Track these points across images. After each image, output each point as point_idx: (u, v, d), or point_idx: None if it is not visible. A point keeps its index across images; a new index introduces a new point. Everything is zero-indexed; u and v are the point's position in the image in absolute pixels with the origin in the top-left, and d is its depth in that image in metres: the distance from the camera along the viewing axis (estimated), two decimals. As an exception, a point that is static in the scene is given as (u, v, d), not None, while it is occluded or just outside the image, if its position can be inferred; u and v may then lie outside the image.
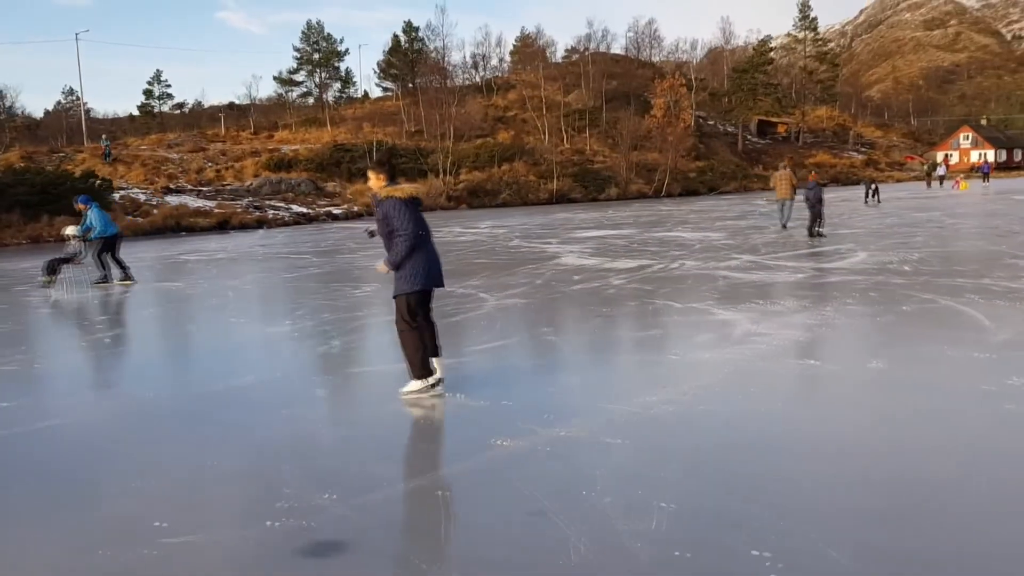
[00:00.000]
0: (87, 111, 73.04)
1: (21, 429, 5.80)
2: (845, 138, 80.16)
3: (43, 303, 12.56)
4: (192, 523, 4.12)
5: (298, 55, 68.87)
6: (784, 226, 21.40)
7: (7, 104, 65.32)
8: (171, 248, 23.49)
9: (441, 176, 50.15)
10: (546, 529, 3.86)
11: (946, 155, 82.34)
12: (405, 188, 5.93)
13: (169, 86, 75.21)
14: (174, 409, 6.25)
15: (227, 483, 4.68)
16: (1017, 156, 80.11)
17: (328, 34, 68.56)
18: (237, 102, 75.85)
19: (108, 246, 14.33)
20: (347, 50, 68.73)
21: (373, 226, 6.19)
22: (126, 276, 14.35)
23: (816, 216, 18.72)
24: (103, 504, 4.43)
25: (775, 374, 6.58)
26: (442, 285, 6.12)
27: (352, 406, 6.38)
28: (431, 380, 6.02)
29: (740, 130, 70.74)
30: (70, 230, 14.38)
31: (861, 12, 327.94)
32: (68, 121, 76.53)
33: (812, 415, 5.60)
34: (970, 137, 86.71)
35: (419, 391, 6.04)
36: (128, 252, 22.58)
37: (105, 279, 14.09)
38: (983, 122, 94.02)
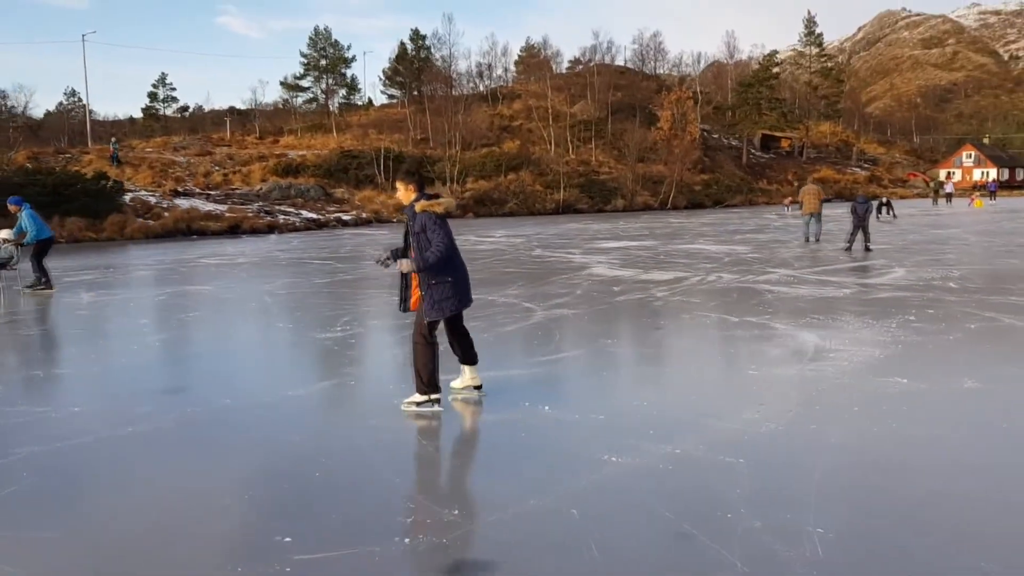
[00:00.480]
0: (90, 112, 72.61)
1: (106, 434, 5.59)
2: (848, 154, 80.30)
3: (76, 306, 12.33)
4: (316, 538, 3.93)
5: (305, 61, 68.75)
6: (807, 239, 21.70)
7: (18, 104, 64.52)
8: (187, 251, 23.26)
9: (449, 184, 49.99)
10: (703, 553, 3.68)
11: (948, 173, 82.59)
12: (441, 202, 5.81)
13: (174, 89, 75.08)
14: (259, 416, 6.04)
15: (339, 495, 4.48)
16: (1019, 175, 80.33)
17: (335, 40, 68.53)
18: (242, 107, 75.63)
19: (43, 250, 13.66)
20: (354, 57, 68.20)
21: (386, 254, 6.04)
22: (48, 284, 13.56)
23: (859, 229, 18.83)
24: (225, 518, 4.23)
25: (868, 392, 6.40)
26: (470, 303, 6.09)
27: (434, 417, 6.20)
28: (435, 396, 5.94)
29: (744, 144, 70.76)
30: (3, 234, 13.53)
31: (859, 29, 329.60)
32: (70, 122, 76.24)
33: (933, 435, 5.41)
34: (972, 155, 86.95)
35: (419, 404, 5.94)
36: (144, 254, 22.43)
37: (45, 284, 13.46)
38: (985, 141, 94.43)
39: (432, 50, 68.36)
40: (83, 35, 53.20)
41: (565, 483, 4.72)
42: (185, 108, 78.26)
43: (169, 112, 76.19)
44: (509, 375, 7.12)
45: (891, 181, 76.47)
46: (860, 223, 18.76)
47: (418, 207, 5.76)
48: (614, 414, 5.92)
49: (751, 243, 22.40)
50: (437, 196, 5.89)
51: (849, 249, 18.73)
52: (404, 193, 5.96)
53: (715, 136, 73.63)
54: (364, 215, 40.65)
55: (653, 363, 8.12)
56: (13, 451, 5.22)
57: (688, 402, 6.36)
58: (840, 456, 4.96)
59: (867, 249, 18.53)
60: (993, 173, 77.68)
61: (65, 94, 74.37)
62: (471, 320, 7.02)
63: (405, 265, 5.80)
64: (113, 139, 46.03)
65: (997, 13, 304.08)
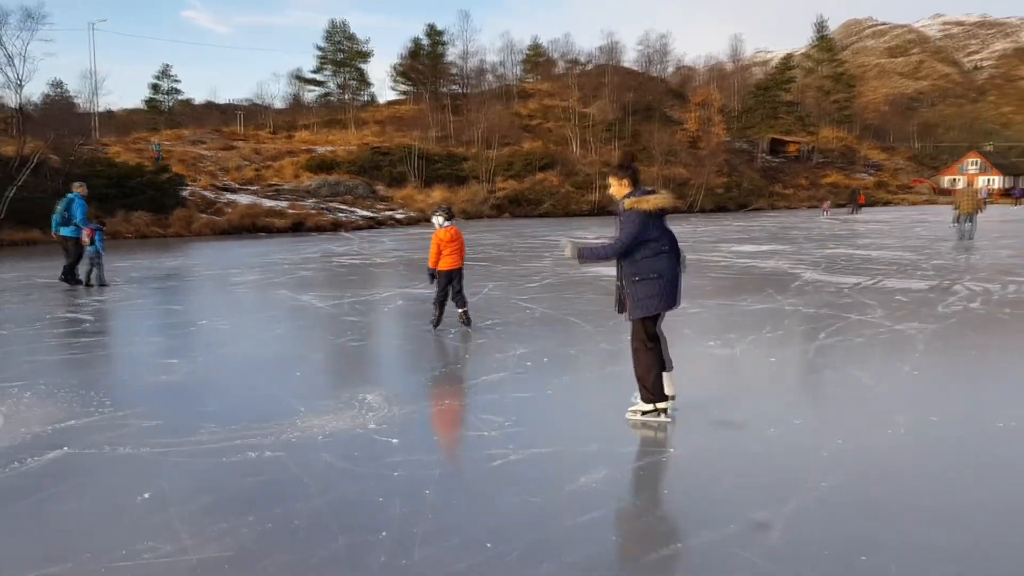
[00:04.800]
0: (71, 102, 69.58)
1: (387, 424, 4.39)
2: (853, 159, 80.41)
3: (290, 304, 11.00)
4: None
5: (321, 54, 66.73)
6: (962, 237, 23.13)
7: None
8: (291, 249, 21.78)
9: (483, 184, 48.73)
10: None
11: (953, 180, 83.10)
12: (652, 200, 5.40)
13: (178, 81, 72.56)
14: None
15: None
16: (1022, 183, 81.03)
17: (352, 34, 66.65)
18: (246, 101, 73.28)
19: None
20: (372, 51, 66.39)
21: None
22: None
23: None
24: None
25: None
26: (677, 305, 5.58)
27: (661, 428, 5.10)
28: (663, 405, 5.51)
29: (759, 148, 70.42)
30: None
31: (812, 39, 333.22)
32: (60, 114, 73.10)
33: None
34: (978, 163, 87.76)
35: (646, 414, 5.54)
36: (254, 252, 20.57)
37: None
38: (989, 148, 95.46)
39: (448, 46, 66.82)
40: (91, 23, 50.11)
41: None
42: (188, 101, 75.59)
43: (175, 104, 73.40)
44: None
45: (897, 187, 76.73)
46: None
47: (626, 204, 5.42)
48: None
49: (899, 246, 21.51)
50: (652, 191, 5.50)
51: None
52: (617, 188, 5.60)
53: (727, 139, 73.19)
54: (412, 214, 39.24)
55: None
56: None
57: None
58: None
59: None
60: (998, 181, 78.42)
61: (51, 85, 70.87)
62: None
63: (568, 250, 5.58)
64: (156, 142, 43.71)
65: (960, 24, 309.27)
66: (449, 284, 9.47)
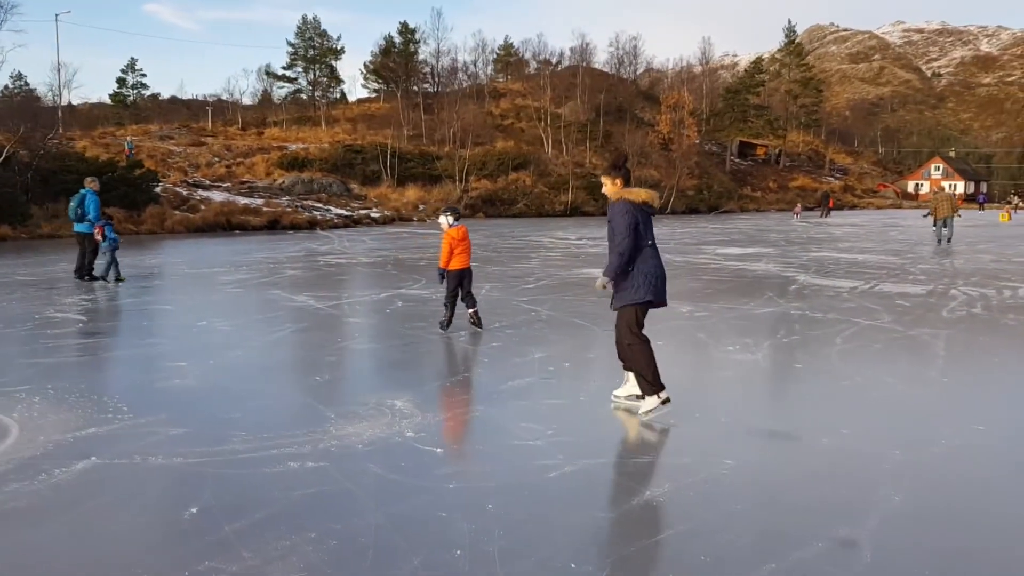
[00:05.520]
0: (36, 96, 68.21)
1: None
2: (820, 163, 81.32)
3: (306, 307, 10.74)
4: None
5: (292, 50, 65.86)
6: (939, 241, 23.58)
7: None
8: (272, 248, 21.38)
9: (457, 183, 48.48)
10: None
11: (916, 184, 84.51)
12: (639, 192, 5.47)
13: (144, 75, 71.21)
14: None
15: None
16: (983, 188, 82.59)
17: (324, 31, 65.81)
18: (213, 97, 72.20)
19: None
20: (343, 48, 65.69)
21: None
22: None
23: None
24: None
25: None
26: (664, 303, 5.61)
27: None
28: (664, 395, 5.52)
29: (729, 151, 70.89)
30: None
31: (781, 43, 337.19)
32: (17, 107, 71.46)
33: None
34: (941, 168, 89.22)
35: (656, 409, 5.53)
36: (237, 249, 20.09)
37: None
38: (951, 154, 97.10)
39: (420, 44, 66.34)
40: (56, 15, 49.05)
41: None
42: (156, 96, 74.24)
43: (139, 99, 72.04)
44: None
45: (863, 191, 77.72)
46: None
47: (614, 196, 5.48)
48: None
49: (880, 250, 21.68)
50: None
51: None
52: (611, 188, 5.58)
53: (696, 142, 73.64)
54: (387, 213, 38.90)
55: None
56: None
57: None
58: None
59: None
60: (960, 186, 79.75)
61: (12, 78, 69.25)
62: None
63: (599, 283, 5.47)
64: (128, 138, 42.80)
65: (920, 31, 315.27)
66: (460, 284, 9.28)
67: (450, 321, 9.26)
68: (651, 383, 5.50)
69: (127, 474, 4.66)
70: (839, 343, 8.66)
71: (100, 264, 13.75)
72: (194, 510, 4.13)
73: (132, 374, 7.29)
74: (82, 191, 13.70)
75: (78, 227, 13.62)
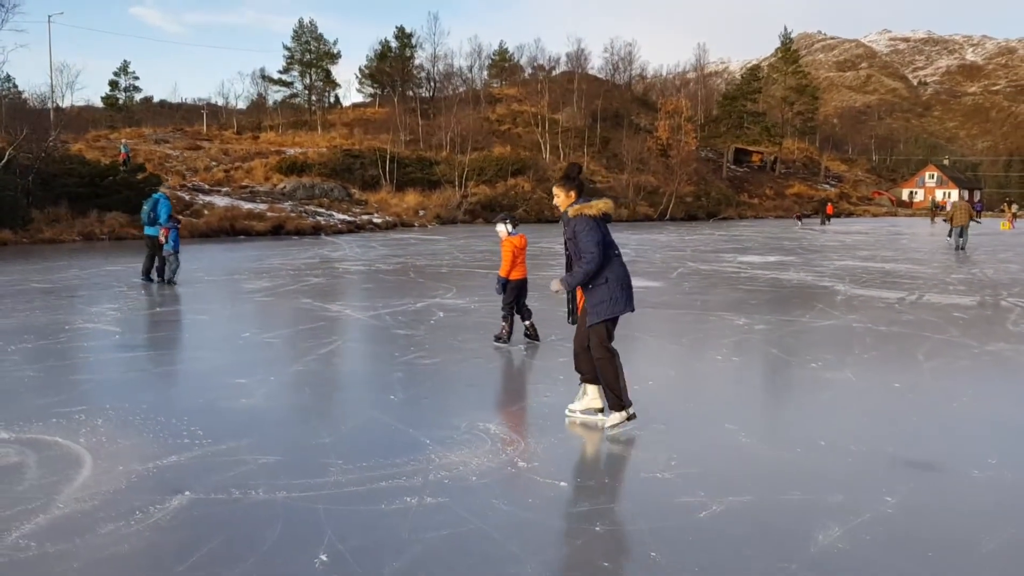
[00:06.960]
0: (23, 98, 67.19)
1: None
2: (815, 170, 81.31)
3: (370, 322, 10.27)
4: None
5: (288, 54, 65.24)
6: (957, 248, 24.43)
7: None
8: (286, 254, 20.86)
9: (456, 189, 48.05)
10: None
11: (911, 192, 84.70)
12: (596, 205, 5.40)
13: (137, 78, 70.32)
14: None
15: None
16: (976, 196, 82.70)
17: (320, 35, 65.19)
18: (213, 100, 71.41)
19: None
20: (339, 52, 65.15)
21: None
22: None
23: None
24: None
25: None
26: (632, 310, 5.55)
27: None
28: (631, 411, 5.44)
29: (725, 157, 70.75)
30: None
31: (777, 50, 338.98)
32: (27, 110, 70.34)
33: None
34: (935, 176, 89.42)
35: (621, 424, 5.45)
36: (251, 255, 19.59)
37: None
38: (945, 162, 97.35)
39: (417, 48, 65.86)
40: (49, 16, 48.29)
41: None
42: (149, 99, 73.37)
43: (130, 102, 71.13)
44: None
45: (859, 199, 77.76)
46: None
47: (571, 211, 5.41)
48: None
49: (902, 259, 21.37)
50: (592, 200, 5.49)
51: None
52: (563, 199, 5.58)
53: (692, 148, 73.53)
54: (389, 218, 38.41)
55: None
56: None
57: None
58: None
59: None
60: (955, 194, 79.88)
61: (0, 79, 68.14)
62: None
63: (555, 285, 5.48)
64: (123, 141, 42.11)
65: (906, 40, 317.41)
66: (518, 295, 8.87)
67: (510, 335, 8.82)
68: (619, 398, 5.40)
69: (231, 512, 4.19)
70: (922, 359, 8.27)
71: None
72: (324, 557, 3.67)
73: (192, 392, 6.80)
74: (154, 195, 14.35)
75: (148, 230, 14.06)
